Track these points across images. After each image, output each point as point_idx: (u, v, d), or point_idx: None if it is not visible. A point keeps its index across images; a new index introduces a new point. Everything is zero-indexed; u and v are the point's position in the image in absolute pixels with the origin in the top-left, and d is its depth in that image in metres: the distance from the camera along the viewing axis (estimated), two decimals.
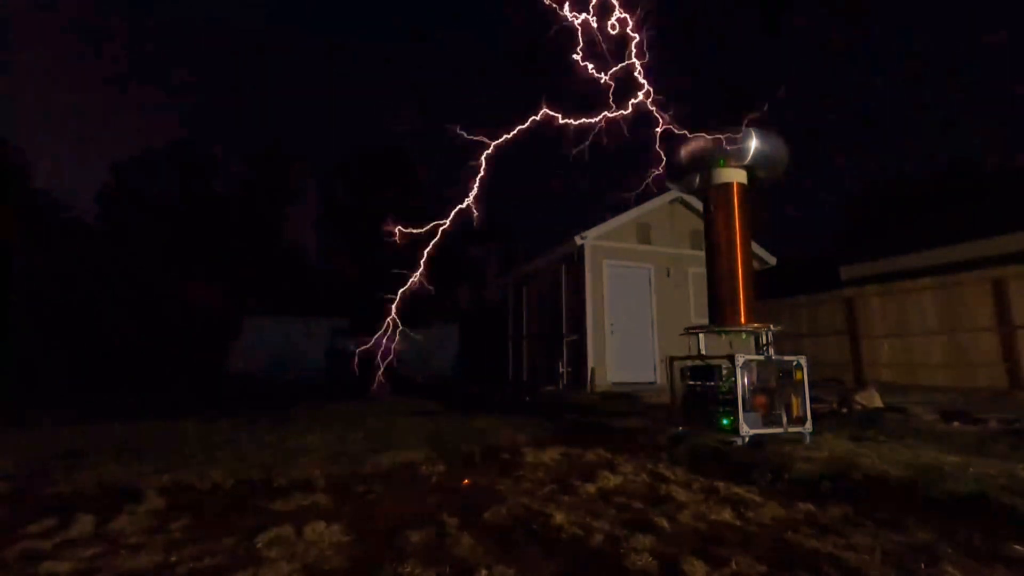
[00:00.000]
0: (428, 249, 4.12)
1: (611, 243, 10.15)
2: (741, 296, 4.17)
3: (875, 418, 4.93)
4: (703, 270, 4.54)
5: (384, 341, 4.04)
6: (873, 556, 1.84)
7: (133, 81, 52.22)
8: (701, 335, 4.32)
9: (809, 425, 3.86)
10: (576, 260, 10.05)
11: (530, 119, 4.11)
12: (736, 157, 4.20)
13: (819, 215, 44.61)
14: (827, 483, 2.76)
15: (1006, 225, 10.29)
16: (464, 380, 13.98)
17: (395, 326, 4.07)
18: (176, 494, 2.74)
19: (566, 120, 4.15)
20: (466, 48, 56.71)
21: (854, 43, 44.80)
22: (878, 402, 5.54)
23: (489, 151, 4.15)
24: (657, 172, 4.26)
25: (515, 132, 4.15)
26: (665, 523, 2.20)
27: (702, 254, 4.62)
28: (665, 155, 4.45)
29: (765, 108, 3.80)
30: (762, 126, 4.19)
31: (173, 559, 1.89)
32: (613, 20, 3.56)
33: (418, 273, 4.09)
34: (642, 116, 3.99)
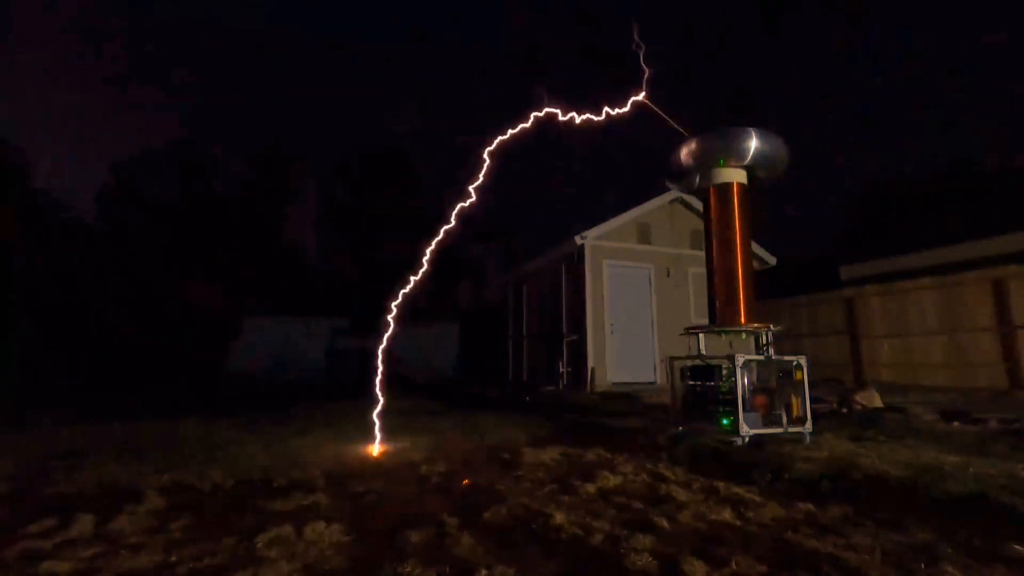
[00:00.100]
0: (430, 248, 4.11)
1: (611, 243, 10.15)
2: (741, 296, 4.17)
3: (875, 418, 4.93)
4: (703, 270, 4.54)
5: (384, 341, 4.03)
6: (873, 556, 1.84)
7: (133, 81, 52.21)
8: (701, 335, 4.32)
9: (809, 425, 3.86)
10: (576, 260, 10.05)
11: (532, 115, 4.11)
12: (736, 157, 4.20)
13: (819, 215, 44.64)
14: (827, 483, 2.76)
15: (1006, 225, 10.29)
16: (464, 380, 13.97)
17: (395, 326, 4.07)
18: (176, 494, 2.74)
19: (567, 117, 4.16)
20: (466, 48, 56.71)
21: (854, 43, 44.80)
22: (878, 402, 5.54)
23: (491, 148, 4.15)
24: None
25: (518, 129, 4.16)
26: (665, 523, 2.20)
27: (702, 254, 4.62)
28: (665, 155, 4.46)
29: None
30: (762, 126, 4.19)
31: (173, 559, 1.89)
32: (614, 22, 3.56)
33: (420, 272, 4.08)
34: (642, 116, 4.00)
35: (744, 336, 4.45)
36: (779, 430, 3.76)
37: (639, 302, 10.23)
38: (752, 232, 4.37)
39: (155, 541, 2.08)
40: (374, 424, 3.88)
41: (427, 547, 1.98)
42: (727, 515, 2.30)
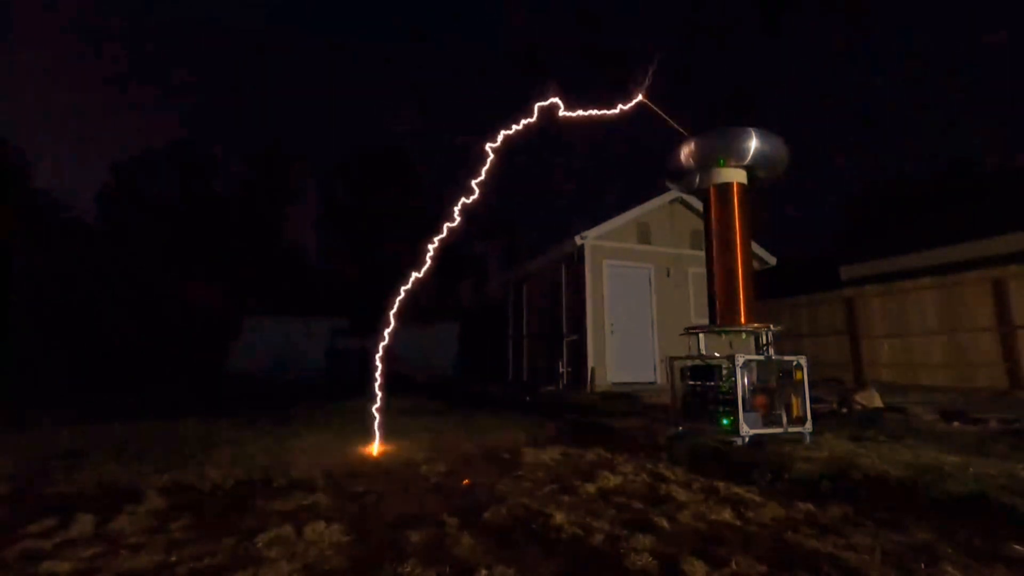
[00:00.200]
0: (433, 244, 4.09)
1: (611, 243, 10.15)
2: (741, 296, 4.17)
3: (875, 418, 4.93)
4: (703, 270, 4.54)
5: (386, 338, 4.02)
6: (873, 556, 1.84)
7: (133, 81, 52.18)
8: (701, 335, 4.32)
9: (809, 425, 3.86)
10: (576, 260, 10.05)
11: (535, 111, 4.10)
12: (736, 157, 4.20)
13: (819, 215, 44.64)
14: (827, 483, 2.76)
15: (1006, 225, 10.29)
16: (465, 379, 13.97)
17: (396, 325, 4.06)
18: (176, 494, 2.74)
19: (568, 115, 4.15)
20: (466, 48, 56.69)
21: (854, 43, 44.79)
22: (878, 402, 5.54)
23: (493, 146, 4.14)
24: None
25: (520, 127, 4.15)
26: (665, 523, 2.20)
27: (702, 254, 4.62)
28: (665, 155, 4.46)
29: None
30: (762, 126, 4.19)
31: (173, 559, 1.89)
32: (614, 22, 3.56)
33: (423, 269, 4.06)
34: (642, 115, 4.00)
35: (744, 336, 4.45)
36: (779, 430, 3.77)
37: (639, 302, 10.23)
38: (752, 232, 4.38)
39: (155, 541, 2.08)
40: (374, 424, 3.88)
41: (427, 547, 1.98)
42: (727, 515, 2.30)
